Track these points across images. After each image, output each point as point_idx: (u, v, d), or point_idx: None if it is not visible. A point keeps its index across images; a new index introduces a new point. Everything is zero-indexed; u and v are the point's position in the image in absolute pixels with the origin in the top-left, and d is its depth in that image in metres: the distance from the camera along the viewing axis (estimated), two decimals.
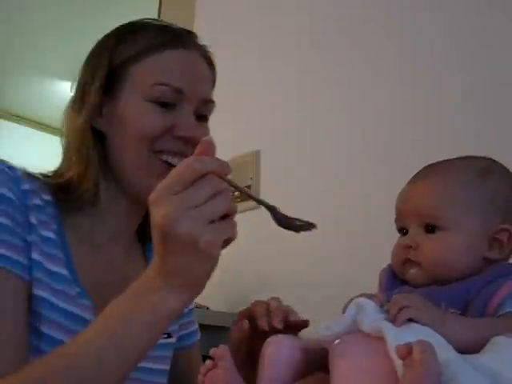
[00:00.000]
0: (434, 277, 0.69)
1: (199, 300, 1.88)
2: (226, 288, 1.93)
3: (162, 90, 0.86)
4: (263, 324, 0.78)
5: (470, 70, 1.51)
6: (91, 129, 0.88)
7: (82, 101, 0.89)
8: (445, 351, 0.56)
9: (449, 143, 1.47)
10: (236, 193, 1.98)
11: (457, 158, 0.78)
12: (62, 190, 0.87)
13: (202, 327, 1.77)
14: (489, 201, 0.71)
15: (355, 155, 1.70)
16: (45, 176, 0.90)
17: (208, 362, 0.68)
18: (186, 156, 0.84)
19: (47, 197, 0.86)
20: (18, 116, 5.04)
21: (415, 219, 0.73)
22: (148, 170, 0.86)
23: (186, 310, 1.04)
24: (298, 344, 0.72)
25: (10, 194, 0.80)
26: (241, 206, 1.99)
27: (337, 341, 0.64)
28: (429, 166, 0.78)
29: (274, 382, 0.68)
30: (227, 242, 0.69)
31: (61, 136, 0.92)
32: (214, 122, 2.36)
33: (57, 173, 0.90)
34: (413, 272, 0.71)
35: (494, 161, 0.77)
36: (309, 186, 1.80)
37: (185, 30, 0.95)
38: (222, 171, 0.67)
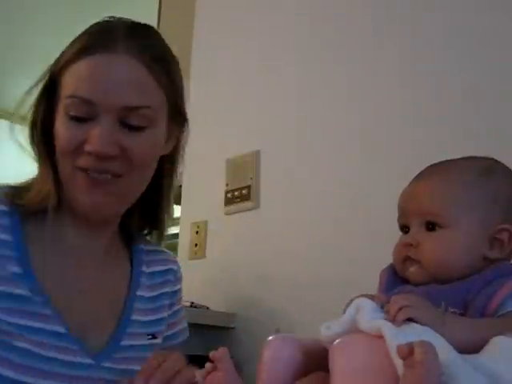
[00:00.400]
0: (434, 275, 0.70)
1: (199, 300, 1.88)
2: (226, 288, 1.92)
3: (72, 102, 0.83)
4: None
5: (470, 70, 1.51)
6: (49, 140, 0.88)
7: (36, 109, 0.90)
8: (445, 351, 0.56)
9: (449, 144, 1.47)
10: (236, 192, 1.99)
11: (460, 159, 0.78)
12: (20, 198, 0.87)
13: (202, 327, 1.77)
14: (490, 200, 0.72)
15: (355, 155, 1.70)
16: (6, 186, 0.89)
17: (208, 364, 0.68)
18: (109, 171, 0.84)
19: (3, 207, 0.86)
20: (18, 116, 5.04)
21: (417, 217, 0.73)
22: (73, 185, 0.86)
23: (170, 312, 1.02)
24: (297, 344, 0.72)
25: None
26: (241, 206, 1.99)
27: (337, 340, 0.63)
28: (432, 165, 0.79)
29: (273, 382, 0.68)
30: None
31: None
32: (215, 122, 2.36)
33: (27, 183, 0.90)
34: (413, 270, 0.72)
35: (496, 161, 0.78)
36: (309, 186, 1.79)
37: (125, 29, 0.89)
38: None
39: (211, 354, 0.68)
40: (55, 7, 3.56)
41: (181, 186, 2.34)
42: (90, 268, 0.91)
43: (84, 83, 0.82)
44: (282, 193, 1.87)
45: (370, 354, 0.59)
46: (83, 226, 0.91)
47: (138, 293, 0.95)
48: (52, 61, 0.90)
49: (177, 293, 1.04)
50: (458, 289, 0.67)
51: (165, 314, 0.99)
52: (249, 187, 1.96)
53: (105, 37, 0.85)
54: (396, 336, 0.58)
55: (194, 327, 1.74)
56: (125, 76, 0.83)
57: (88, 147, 0.82)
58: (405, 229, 0.76)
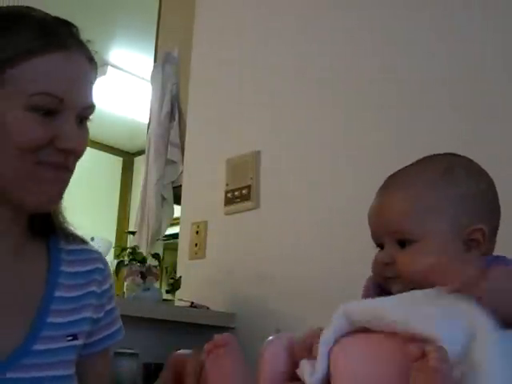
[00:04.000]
0: (416, 287, 0.69)
1: (199, 300, 1.88)
2: (226, 288, 1.93)
3: (42, 99, 0.81)
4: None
5: (469, 70, 1.51)
6: None
7: None
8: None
9: (451, 144, 1.47)
10: (236, 192, 1.99)
11: (417, 163, 0.77)
12: None
13: (202, 327, 1.77)
14: (456, 203, 0.71)
15: (355, 155, 1.70)
16: None
17: (210, 343, 0.66)
18: (68, 167, 0.84)
19: None
20: None
21: (387, 236, 0.73)
22: (35, 180, 0.82)
23: (103, 314, 0.97)
24: None
25: None
26: (241, 206, 1.99)
27: (338, 343, 0.63)
28: (389, 177, 0.78)
29: (273, 381, 0.68)
30: None
31: None
32: (215, 122, 2.36)
33: None
34: (397, 288, 0.70)
35: (454, 155, 0.76)
36: (309, 186, 1.80)
37: (66, 25, 0.87)
38: None
39: (215, 338, 0.66)
40: (55, 7, 3.55)
41: (181, 186, 2.34)
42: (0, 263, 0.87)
43: (56, 81, 0.82)
44: (281, 193, 1.87)
45: (369, 356, 0.59)
46: None
47: (57, 293, 0.90)
48: None
49: (106, 292, 0.97)
50: None
51: (89, 314, 0.93)
52: (249, 187, 1.96)
53: (56, 33, 0.84)
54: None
55: (194, 327, 1.74)
56: (86, 75, 0.87)
57: (61, 144, 0.82)
58: (380, 245, 0.75)
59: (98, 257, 0.99)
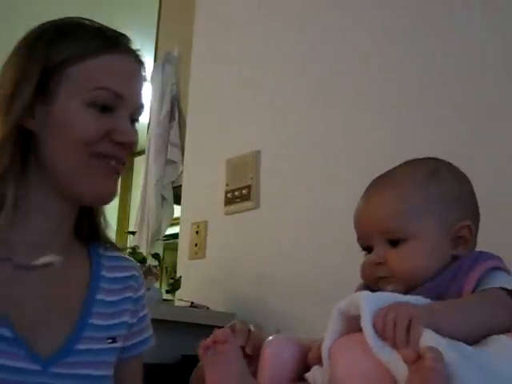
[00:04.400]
0: (409, 285, 0.70)
1: (199, 300, 1.88)
2: (226, 288, 1.93)
3: (102, 94, 0.86)
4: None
5: (468, 70, 1.52)
6: (19, 127, 0.85)
7: (12, 99, 0.85)
8: (447, 348, 0.56)
9: (450, 144, 1.47)
10: (236, 192, 1.99)
11: (403, 166, 0.79)
12: None
13: (202, 327, 1.77)
14: (444, 202, 0.73)
15: (355, 155, 1.70)
16: None
17: (207, 340, 0.66)
18: (122, 160, 0.89)
19: None
20: None
21: (377, 236, 0.73)
22: (91, 172, 0.86)
23: (136, 319, 0.99)
24: (297, 344, 0.72)
25: None
26: (241, 206, 1.99)
27: (336, 342, 0.64)
28: (377, 179, 0.79)
29: (273, 381, 0.68)
30: None
31: None
32: (215, 122, 2.36)
33: None
34: (391, 287, 0.71)
35: (438, 159, 0.78)
36: (309, 186, 1.80)
37: (119, 33, 0.93)
38: None
39: (214, 333, 0.65)
40: (56, 7, 3.56)
41: (181, 186, 2.34)
42: (48, 270, 0.88)
43: (116, 78, 0.87)
44: (281, 193, 1.87)
45: (367, 355, 0.59)
46: (42, 224, 0.89)
47: (98, 296, 0.93)
48: None
49: (140, 299, 1.00)
50: (430, 289, 0.68)
51: (126, 319, 0.96)
52: (249, 187, 1.97)
53: (119, 37, 0.91)
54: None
55: (194, 327, 1.74)
56: (140, 78, 0.93)
57: (118, 137, 0.87)
58: (367, 248, 0.76)
59: (134, 265, 1.04)
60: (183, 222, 2.23)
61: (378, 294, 0.66)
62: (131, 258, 1.05)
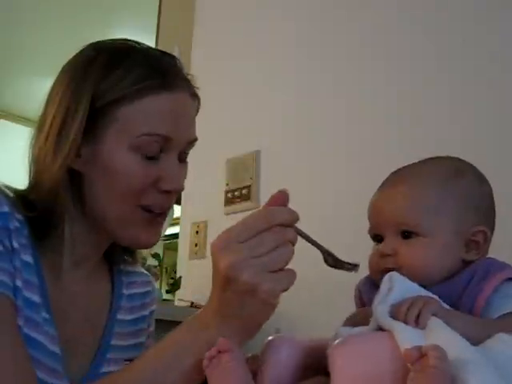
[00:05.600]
0: (414, 281, 0.69)
1: (199, 300, 1.88)
2: None
3: (150, 140, 0.80)
4: None
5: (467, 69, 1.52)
6: (66, 167, 0.81)
7: (59, 137, 0.80)
8: (459, 346, 0.56)
9: (450, 144, 1.47)
10: (236, 192, 1.99)
11: (425, 162, 0.78)
12: (30, 213, 0.81)
13: None
14: (463, 203, 0.72)
15: (355, 155, 1.70)
16: (10, 189, 0.84)
17: (213, 350, 0.66)
18: (168, 208, 0.86)
19: (20, 216, 0.80)
20: (18, 116, 5.04)
21: (390, 227, 0.73)
22: (133, 223, 0.83)
23: (147, 334, 0.99)
24: (297, 344, 0.72)
25: None
26: (241, 206, 1.99)
27: (336, 342, 0.63)
28: (397, 171, 0.78)
29: (273, 382, 0.68)
30: (285, 289, 0.71)
31: (29, 161, 0.85)
32: (215, 122, 2.36)
33: (25, 193, 0.84)
34: None
35: (462, 160, 0.77)
36: (309, 186, 1.80)
37: (173, 60, 0.87)
38: (289, 222, 0.72)
39: (218, 343, 0.66)
40: (56, 7, 3.56)
41: None
42: (77, 287, 0.88)
43: (166, 122, 0.81)
44: None
45: (370, 356, 0.59)
46: (81, 246, 0.87)
47: (119, 316, 0.92)
48: (53, 60, 0.87)
49: (152, 314, 1.00)
50: (443, 291, 0.68)
51: (143, 339, 0.96)
52: (249, 187, 1.97)
53: (163, 71, 0.83)
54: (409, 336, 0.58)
55: None
56: (192, 113, 0.87)
57: (165, 186, 0.82)
58: (377, 237, 0.75)
59: (150, 280, 1.02)
60: (183, 222, 2.23)
61: (410, 283, 0.66)
62: (146, 272, 1.03)
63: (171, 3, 2.84)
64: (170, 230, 2.63)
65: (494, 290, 0.66)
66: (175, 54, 2.91)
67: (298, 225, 0.72)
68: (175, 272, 2.24)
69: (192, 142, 0.87)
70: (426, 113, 1.58)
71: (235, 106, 2.13)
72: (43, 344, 0.78)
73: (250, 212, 0.70)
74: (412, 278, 0.69)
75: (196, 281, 2.04)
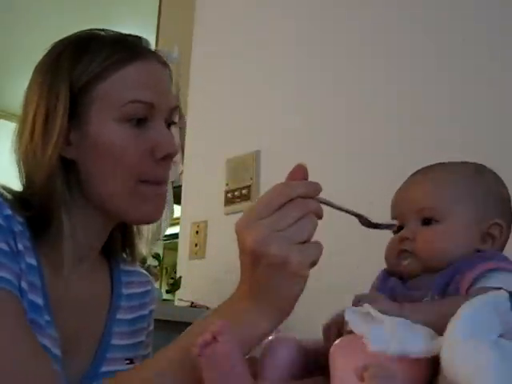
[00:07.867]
0: (426, 266, 0.71)
1: (199, 300, 1.88)
2: (226, 288, 1.92)
3: (134, 107, 0.82)
4: None
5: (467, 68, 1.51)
6: (58, 158, 0.81)
7: (45, 128, 0.81)
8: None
9: (451, 143, 1.47)
10: (236, 192, 1.99)
11: (447, 162, 0.80)
12: (28, 213, 0.81)
13: None
14: (484, 196, 0.74)
15: (355, 155, 1.70)
16: (7, 190, 0.83)
17: (206, 334, 0.65)
18: (166, 179, 0.85)
19: (20, 219, 0.80)
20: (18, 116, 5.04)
21: (413, 215, 0.75)
22: (139, 197, 0.83)
23: (147, 333, 0.99)
24: (297, 344, 0.72)
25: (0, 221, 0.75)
26: (241, 206, 1.99)
27: (337, 341, 0.63)
28: (424, 167, 0.80)
29: (273, 382, 0.68)
30: (312, 263, 0.71)
31: (18, 163, 0.85)
32: (215, 122, 2.36)
33: (21, 194, 0.84)
34: (407, 263, 0.73)
35: (481, 164, 0.80)
36: None
37: (137, 38, 0.89)
38: (310, 193, 0.71)
39: (210, 329, 0.65)
40: (57, 7, 3.56)
41: (181, 186, 2.34)
42: (81, 280, 0.88)
43: (144, 88, 0.83)
44: None
45: (370, 355, 0.59)
46: (82, 240, 0.86)
47: (118, 316, 0.92)
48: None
49: (151, 313, 1.00)
50: (442, 277, 0.69)
51: (143, 338, 0.95)
52: (249, 187, 1.97)
53: (139, 43, 0.87)
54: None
55: None
56: (167, 80, 0.89)
57: (163, 151, 0.83)
58: (398, 228, 0.77)
59: (149, 279, 1.02)
60: (183, 222, 2.23)
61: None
62: (145, 272, 1.03)
63: (171, 2, 2.84)
64: (170, 230, 2.64)
65: (476, 277, 0.66)
66: (175, 53, 2.89)
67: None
68: (175, 272, 2.24)
69: (174, 108, 0.88)
70: (425, 112, 1.58)
71: (235, 105, 2.13)
72: (47, 347, 0.77)
73: None
74: (423, 262, 0.71)
75: (196, 281, 2.04)
